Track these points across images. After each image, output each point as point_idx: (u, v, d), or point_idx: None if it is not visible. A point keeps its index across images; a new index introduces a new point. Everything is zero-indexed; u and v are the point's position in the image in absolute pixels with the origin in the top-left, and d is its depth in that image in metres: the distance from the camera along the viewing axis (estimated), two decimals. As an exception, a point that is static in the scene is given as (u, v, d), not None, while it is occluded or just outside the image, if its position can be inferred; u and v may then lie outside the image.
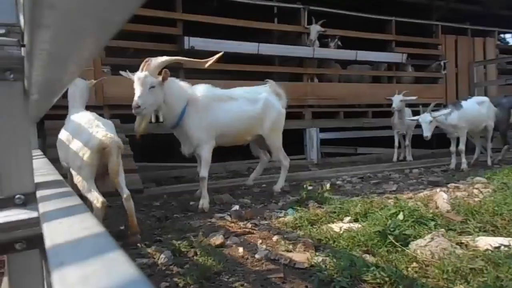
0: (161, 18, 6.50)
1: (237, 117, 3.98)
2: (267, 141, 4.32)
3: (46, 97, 1.02)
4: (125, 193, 2.80)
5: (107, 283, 0.29)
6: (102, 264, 0.33)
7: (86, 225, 0.46)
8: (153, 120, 3.76)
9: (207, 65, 3.66)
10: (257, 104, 4.16)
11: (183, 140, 3.86)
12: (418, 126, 6.42)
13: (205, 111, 3.78)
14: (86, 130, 2.72)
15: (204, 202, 3.68)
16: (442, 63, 8.99)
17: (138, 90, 3.32)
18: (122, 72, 3.72)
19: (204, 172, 3.80)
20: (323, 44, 7.95)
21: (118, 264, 0.32)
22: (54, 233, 0.45)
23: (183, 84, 3.78)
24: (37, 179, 0.97)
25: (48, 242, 0.43)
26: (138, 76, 3.36)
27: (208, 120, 3.78)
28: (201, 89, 3.87)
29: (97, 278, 0.30)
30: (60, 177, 0.99)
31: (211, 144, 3.84)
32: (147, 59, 3.44)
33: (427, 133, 5.42)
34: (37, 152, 2.37)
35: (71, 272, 0.32)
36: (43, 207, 0.64)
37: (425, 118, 5.48)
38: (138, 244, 2.64)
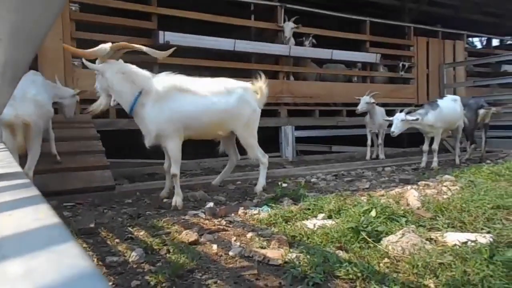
0: (136, 12, 6.36)
1: (205, 109, 3.74)
2: (240, 139, 4.16)
3: (5, 81, 0.96)
4: (26, 166, 3.24)
5: (53, 277, 0.26)
6: (51, 257, 0.29)
7: (39, 217, 0.42)
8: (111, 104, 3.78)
9: (162, 57, 3.69)
10: (230, 98, 3.94)
11: (143, 131, 3.64)
12: (391, 125, 6.57)
13: (165, 101, 3.53)
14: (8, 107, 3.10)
15: (177, 200, 3.61)
16: (400, 64, 9.21)
17: None
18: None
19: (175, 169, 3.63)
20: (298, 43, 8.00)
21: (69, 257, 0.29)
22: (1, 225, 0.41)
23: (134, 71, 3.55)
24: (-4, 171, 0.91)
25: (-6, 235, 0.39)
26: None
27: (169, 111, 3.53)
28: (162, 78, 3.64)
29: (43, 272, 0.27)
30: (20, 169, 0.93)
31: (177, 138, 3.63)
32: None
33: (395, 129, 5.54)
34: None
35: (13, 266, 0.29)
36: (-4, 199, 0.59)
37: (398, 116, 5.62)
38: (109, 242, 2.57)
